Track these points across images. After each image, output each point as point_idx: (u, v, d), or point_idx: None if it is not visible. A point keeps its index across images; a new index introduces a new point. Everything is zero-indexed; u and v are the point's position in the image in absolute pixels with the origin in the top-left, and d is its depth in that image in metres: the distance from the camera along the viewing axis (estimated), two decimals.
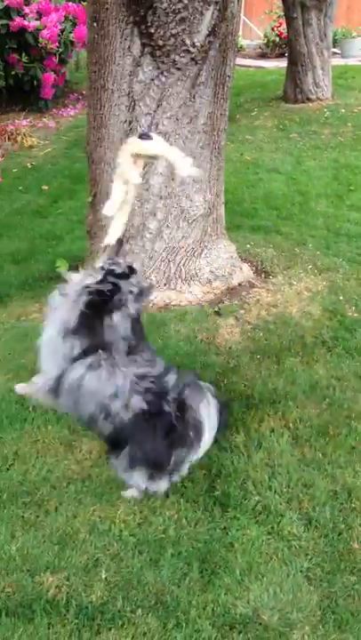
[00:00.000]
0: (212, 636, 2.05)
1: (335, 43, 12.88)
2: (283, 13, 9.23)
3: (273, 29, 13.40)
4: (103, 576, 2.26)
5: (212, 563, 2.33)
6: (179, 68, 3.64)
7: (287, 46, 9.36)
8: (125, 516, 2.51)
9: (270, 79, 10.83)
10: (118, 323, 2.43)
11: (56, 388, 2.47)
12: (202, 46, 3.63)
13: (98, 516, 2.51)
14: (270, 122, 8.44)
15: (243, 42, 14.29)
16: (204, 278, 4.17)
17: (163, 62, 3.61)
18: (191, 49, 3.60)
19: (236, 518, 2.52)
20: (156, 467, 2.50)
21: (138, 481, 2.54)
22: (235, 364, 3.52)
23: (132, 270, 2.52)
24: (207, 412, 2.60)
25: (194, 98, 3.80)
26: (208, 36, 3.64)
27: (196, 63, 3.68)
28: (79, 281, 2.53)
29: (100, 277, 2.48)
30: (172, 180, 3.88)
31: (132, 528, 2.46)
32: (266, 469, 2.78)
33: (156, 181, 3.89)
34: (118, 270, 2.49)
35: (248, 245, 4.94)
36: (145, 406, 2.42)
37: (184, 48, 3.58)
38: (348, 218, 5.50)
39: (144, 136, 2.64)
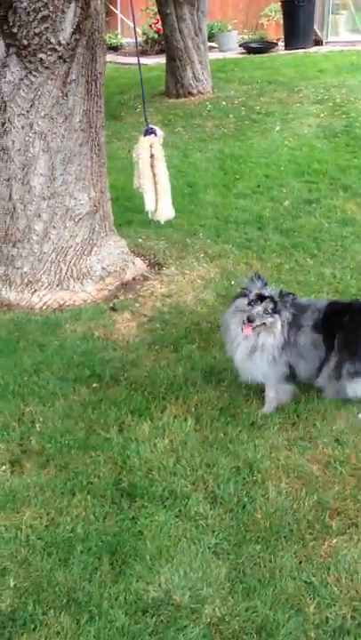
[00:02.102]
0: (126, 624, 2.07)
1: (212, 37, 13.14)
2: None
3: (151, 26, 13.44)
4: (12, 583, 2.22)
5: (122, 553, 2.35)
6: (47, 67, 3.61)
7: (164, 42, 9.45)
8: (32, 521, 2.48)
9: (152, 75, 10.88)
10: None
11: None
12: (68, 44, 3.61)
13: (3, 525, 2.46)
14: (155, 117, 8.48)
15: (122, 40, 14.29)
16: (96, 276, 4.17)
17: (30, 62, 3.57)
18: (57, 47, 3.57)
19: (144, 507, 2.55)
20: None
21: None
22: (133, 357, 3.54)
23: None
24: None
25: (66, 96, 3.77)
26: (73, 33, 3.62)
27: (65, 61, 3.66)
28: None
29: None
30: (54, 179, 3.85)
31: (40, 531, 2.44)
32: (171, 455, 2.82)
33: (37, 182, 3.85)
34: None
35: (140, 240, 4.98)
36: None
37: (50, 46, 3.55)
38: (236, 205, 5.64)
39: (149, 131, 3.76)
